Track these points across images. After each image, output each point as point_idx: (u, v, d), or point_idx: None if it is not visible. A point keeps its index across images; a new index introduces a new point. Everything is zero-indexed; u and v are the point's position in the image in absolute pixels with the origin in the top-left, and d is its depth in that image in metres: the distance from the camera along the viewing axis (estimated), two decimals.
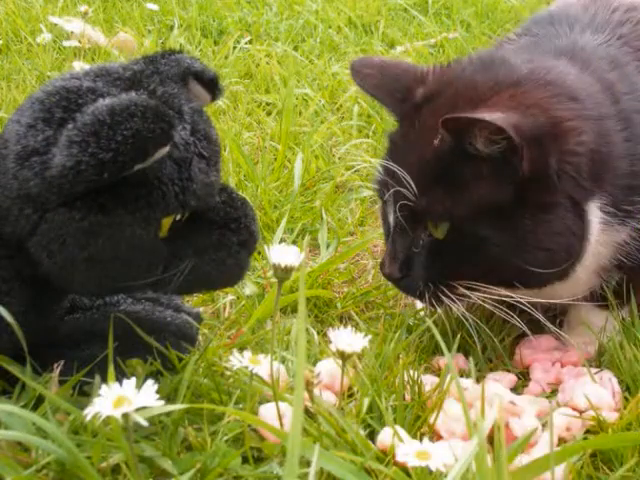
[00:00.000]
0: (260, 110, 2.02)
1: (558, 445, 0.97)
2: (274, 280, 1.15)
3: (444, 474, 0.81)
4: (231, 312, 1.26)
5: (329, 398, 1.00)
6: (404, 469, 0.84)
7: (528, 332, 1.14)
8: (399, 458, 0.84)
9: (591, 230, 1.05)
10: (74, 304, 1.06)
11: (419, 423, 0.97)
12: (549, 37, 1.23)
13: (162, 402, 0.74)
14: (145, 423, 0.74)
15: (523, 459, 0.89)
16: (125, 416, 0.74)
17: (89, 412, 0.74)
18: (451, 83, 1.10)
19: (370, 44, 2.48)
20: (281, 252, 0.95)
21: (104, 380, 0.85)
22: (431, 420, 0.97)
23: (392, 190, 1.07)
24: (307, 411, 0.92)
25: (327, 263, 1.37)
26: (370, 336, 0.96)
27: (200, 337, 1.11)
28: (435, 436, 0.97)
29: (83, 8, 2.42)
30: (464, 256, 1.05)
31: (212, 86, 0.96)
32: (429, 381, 1.05)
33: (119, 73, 0.92)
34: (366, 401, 0.98)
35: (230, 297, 1.28)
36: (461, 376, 1.09)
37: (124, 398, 0.74)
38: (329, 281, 1.36)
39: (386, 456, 0.89)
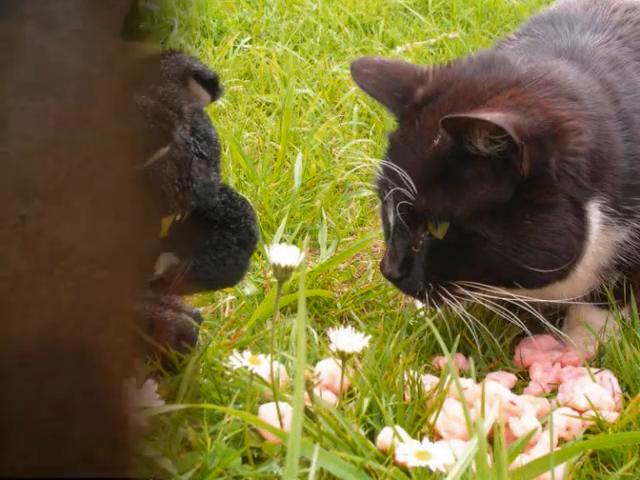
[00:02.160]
0: (260, 110, 2.02)
1: (558, 445, 0.97)
2: (274, 280, 1.15)
3: (444, 474, 0.81)
4: (231, 312, 1.26)
5: (329, 398, 1.00)
6: (404, 469, 0.84)
7: (528, 332, 1.14)
8: (399, 458, 0.84)
9: (591, 230, 1.05)
10: None
11: (419, 423, 0.97)
12: (549, 37, 1.23)
13: (162, 402, 0.74)
14: (145, 423, 0.74)
15: (523, 459, 0.89)
16: None
17: None
18: (451, 83, 1.10)
19: (370, 44, 2.48)
20: (281, 252, 0.95)
21: None
22: (431, 420, 0.97)
23: (392, 190, 1.07)
24: (307, 411, 0.91)
25: (327, 263, 1.37)
26: (370, 336, 0.96)
27: (200, 337, 1.11)
28: (435, 436, 0.97)
29: None
30: (464, 256, 1.05)
31: (212, 86, 0.96)
32: (429, 381, 1.05)
33: None
34: (366, 401, 0.98)
35: (230, 297, 1.28)
36: (461, 376, 1.08)
37: None
38: (329, 281, 1.36)
39: (386, 456, 0.89)
